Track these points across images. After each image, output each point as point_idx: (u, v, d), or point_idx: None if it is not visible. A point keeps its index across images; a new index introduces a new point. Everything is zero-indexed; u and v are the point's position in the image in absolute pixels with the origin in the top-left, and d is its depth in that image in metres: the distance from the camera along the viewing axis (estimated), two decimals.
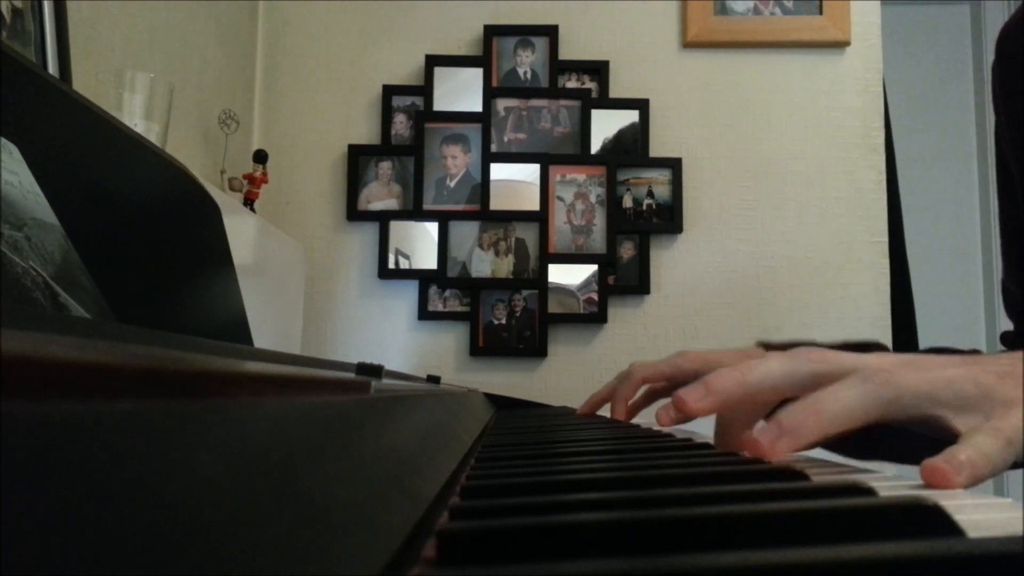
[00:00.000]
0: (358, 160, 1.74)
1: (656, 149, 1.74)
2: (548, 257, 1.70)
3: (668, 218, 1.71)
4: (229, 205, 1.16)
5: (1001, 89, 0.66)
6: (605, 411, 0.81)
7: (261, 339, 0.84)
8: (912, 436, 0.38)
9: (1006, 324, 0.76)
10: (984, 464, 0.32)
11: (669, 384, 0.72)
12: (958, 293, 2.53)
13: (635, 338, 1.70)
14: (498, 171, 1.72)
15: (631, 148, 1.74)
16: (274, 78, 1.78)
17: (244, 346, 0.50)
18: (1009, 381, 0.35)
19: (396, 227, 1.71)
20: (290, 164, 1.75)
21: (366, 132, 1.77)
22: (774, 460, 0.33)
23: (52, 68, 0.93)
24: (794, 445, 0.34)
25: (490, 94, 1.74)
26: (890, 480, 0.30)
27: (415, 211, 1.71)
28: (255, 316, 0.68)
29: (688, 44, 1.76)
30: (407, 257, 1.71)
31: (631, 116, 1.74)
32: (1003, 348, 0.73)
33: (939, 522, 0.18)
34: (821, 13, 1.74)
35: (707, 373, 0.42)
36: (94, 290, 0.37)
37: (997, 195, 0.69)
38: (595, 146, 1.74)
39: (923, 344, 1.79)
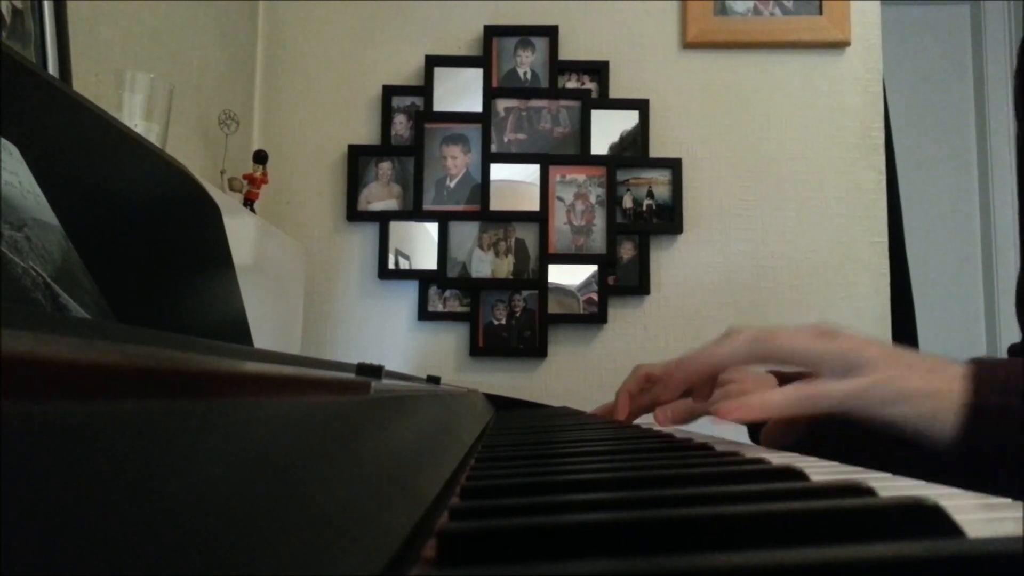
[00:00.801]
0: (358, 160, 1.74)
1: (656, 149, 1.74)
2: (548, 257, 1.69)
3: (668, 218, 1.71)
4: (229, 205, 1.16)
5: None
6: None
7: (261, 339, 0.84)
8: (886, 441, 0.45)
9: (1006, 325, 0.76)
10: (760, 408, 0.46)
11: None
12: (958, 293, 2.53)
13: (635, 338, 1.70)
14: (498, 171, 1.72)
15: (631, 148, 1.74)
16: (274, 78, 1.78)
17: (244, 346, 0.50)
18: (878, 360, 0.45)
19: (396, 227, 1.71)
20: (290, 164, 1.75)
21: (366, 132, 1.77)
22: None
23: (52, 68, 0.93)
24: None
25: (490, 94, 1.74)
26: (890, 480, 0.30)
27: (415, 211, 1.71)
28: (255, 316, 0.68)
29: (688, 44, 1.76)
30: (407, 257, 1.71)
31: (631, 116, 1.74)
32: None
33: (939, 522, 0.18)
34: (821, 13, 1.74)
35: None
36: (94, 290, 0.37)
37: (1019, 198, 0.69)
38: (600, 147, 1.74)
39: (921, 341, 1.79)
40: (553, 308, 1.68)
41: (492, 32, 1.76)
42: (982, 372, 0.43)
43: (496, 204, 1.71)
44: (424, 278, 1.70)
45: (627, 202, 1.72)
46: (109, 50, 1.14)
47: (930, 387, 0.44)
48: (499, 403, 1.17)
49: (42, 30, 0.92)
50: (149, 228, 0.49)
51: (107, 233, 0.42)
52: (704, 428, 0.64)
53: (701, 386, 0.57)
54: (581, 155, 1.73)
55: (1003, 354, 0.71)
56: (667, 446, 0.42)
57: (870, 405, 0.44)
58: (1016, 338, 0.68)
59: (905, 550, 0.14)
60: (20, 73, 0.36)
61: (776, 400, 0.46)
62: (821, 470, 0.33)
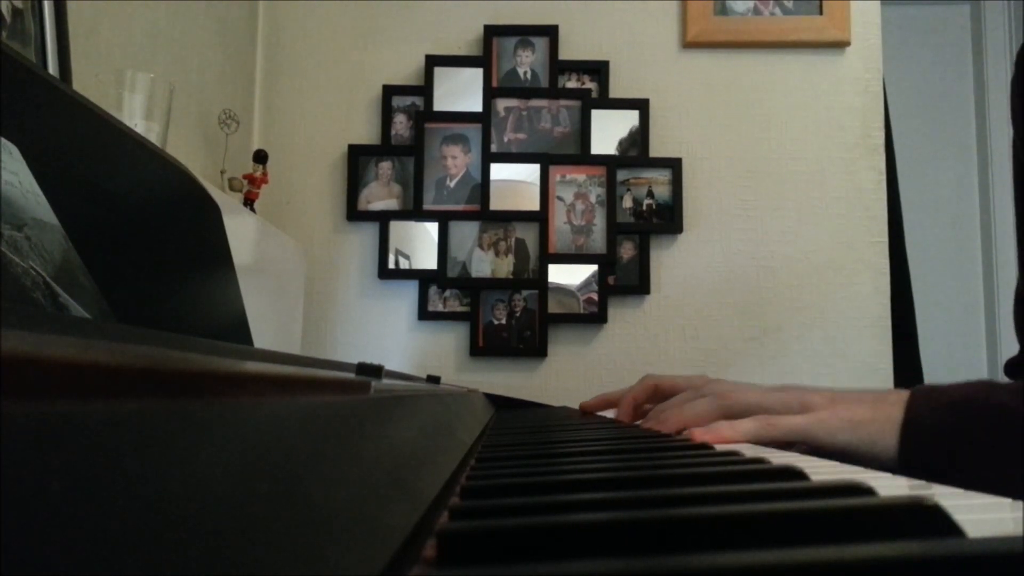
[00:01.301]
0: (358, 160, 1.74)
1: (656, 149, 1.74)
2: (548, 257, 1.69)
3: (668, 218, 1.71)
4: (229, 205, 1.16)
5: (1022, 103, 0.66)
6: (609, 412, 0.81)
7: (261, 339, 0.84)
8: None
9: (1006, 325, 0.76)
10: (732, 436, 0.51)
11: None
12: (958, 293, 2.53)
13: (635, 338, 1.70)
14: (498, 171, 1.72)
15: (631, 148, 1.74)
16: (274, 78, 1.78)
17: (244, 346, 0.50)
18: (824, 400, 0.53)
19: (396, 227, 1.71)
20: (290, 164, 1.75)
21: (366, 132, 1.77)
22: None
23: (52, 68, 0.93)
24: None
25: (490, 94, 1.74)
26: (890, 480, 0.30)
27: (415, 211, 1.71)
28: (255, 316, 0.68)
29: (688, 44, 1.76)
30: (407, 257, 1.71)
31: (631, 116, 1.74)
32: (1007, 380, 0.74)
33: (939, 522, 0.18)
34: (821, 13, 1.74)
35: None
36: (94, 290, 0.37)
37: (1015, 203, 0.69)
38: (600, 147, 1.74)
39: (921, 341, 1.79)
40: (553, 308, 1.68)
41: (492, 32, 1.76)
42: (919, 395, 0.49)
43: (496, 204, 1.71)
44: (424, 278, 1.70)
45: (627, 202, 1.72)
46: (109, 50, 1.14)
47: (874, 415, 0.50)
48: (499, 403, 1.17)
49: (42, 30, 0.92)
50: (149, 228, 0.49)
51: (107, 233, 0.42)
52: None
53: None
54: (581, 155, 1.73)
55: (1002, 359, 0.71)
56: (667, 446, 0.42)
57: (822, 434, 0.51)
58: (1016, 340, 0.68)
59: (905, 550, 0.14)
60: (20, 73, 0.36)
61: (746, 428, 0.53)
62: (821, 470, 0.33)
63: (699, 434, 0.53)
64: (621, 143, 1.74)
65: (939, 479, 0.42)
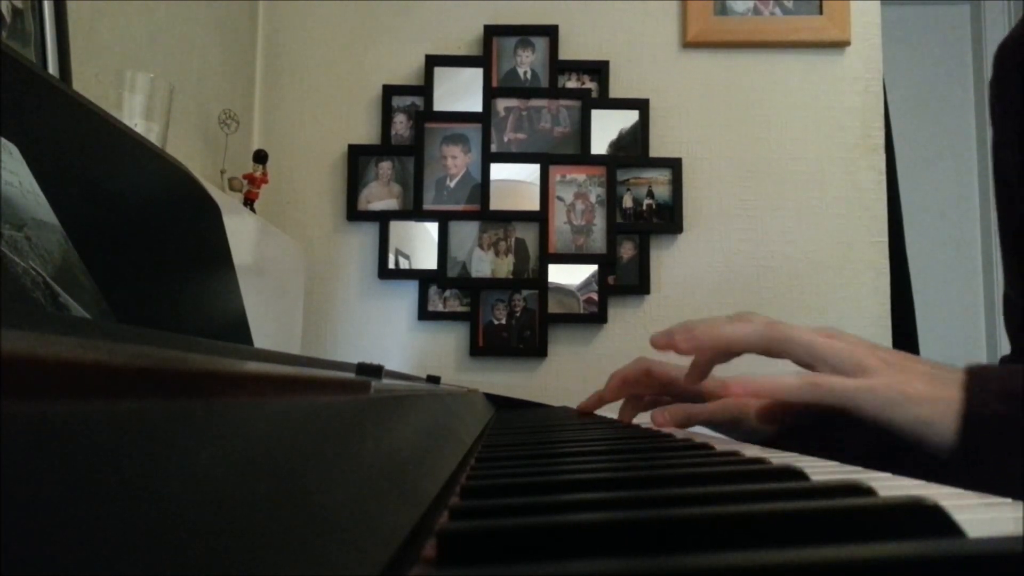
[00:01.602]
0: (358, 160, 1.74)
1: (656, 149, 1.74)
2: (548, 257, 1.69)
3: (668, 218, 1.71)
4: (229, 205, 1.16)
5: (999, 105, 0.66)
6: (609, 412, 0.81)
7: (261, 339, 0.84)
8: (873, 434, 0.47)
9: (1005, 328, 0.76)
10: (772, 389, 0.48)
11: (673, 387, 0.73)
12: (958, 293, 2.53)
13: (635, 338, 1.70)
14: (498, 171, 1.72)
15: (631, 148, 1.74)
16: (274, 78, 1.78)
17: (244, 346, 0.50)
18: (880, 363, 0.46)
19: (396, 227, 1.71)
20: (290, 164, 1.75)
21: (366, 132, 1.77)
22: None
23: (52, 68, 0.93)
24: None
25: (490, 94, 1.74)
26: (890, 480, 0.30)
27: (415, 211, 1.71)
28: (255, 316, 0.68)
29: (688, 44, 1.76)
30: (407, 257, 1.71)
31: (631, 116, 1.74)
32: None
33: (939, 522, 0.18)
34: (821, 13, 1.74)
35: (710, 387, 0.52)
36: (94, 290, 0.37)
37: (996, 207, 0.69)
38: (600, 147, 1.74)
39: (921, 341, 1.79)
40: (553, 308, 1.68)
41: (492, 32, 1.76)
42: (978, 381, 0.45)
43: (496, 204, 1.71)
44: (424, 278, 1.70)
45: (627, 202, 1.72)
46: (109, 50, 1.14)
47: (931, 393, 0.44)
48: (499, 403, 1.17)
49: (42, 30, 0.92)
50: (149, 228, 0.49)
51: (107, 233, 0.42)
52: (703, 428, 0.64)
53: (704, 364, 0.59)
54: (581, 155, 1.73)
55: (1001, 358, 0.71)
56: (667, 446, 0.42)
57: (875, 405, 0.45)
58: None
59: (905, 550, 0.14)
60: (20, 73, 0.36)
61: (788, 384, 0.48)
62: (821, 470, 0.33)
63: (734, 387, 0.49)
64: (613, 147, 1.73)
65: (1000, 474, 0.42)
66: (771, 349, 0.50)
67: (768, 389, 0.48)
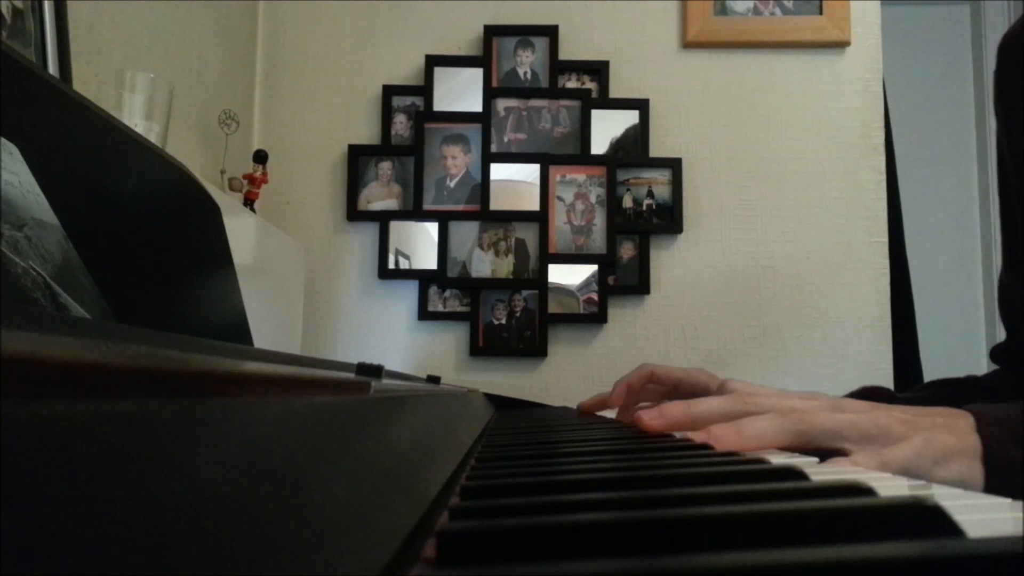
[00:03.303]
0: (358, 160, 1.74)
1: (656, 149, 1.74)
2: (548, 257, 1.69)
3: (668, 218, 1.71)
4: (229, 205, 1.16)
5: (1004, 94, 0.67)
6: (610, 411, 0.81)
7: (261, 339, 0.84)
8: None
9: (1000, 316, 0.76)
10: (755, 437, 0.43)
11: (677, 388, 0.73)
12: (958, 293, 2.53)
13: (635, 338, 1.70)
14: (498, 171, 1.72)
15: (631, 148, 1.74)
16: (274, 78, 1.78)
17: (244, 346, 0.50)
18: (902, 424, 0.44)
19: (396, 227, 1.71)
20: (290, 164, 1.75)
21: (366, 132, 1.77)
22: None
23: (52, 68, 0.93)
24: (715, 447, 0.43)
25: (490, 94, 1.74)
26: (890, 480, 0.30)
27: (415, 211, 1.71)
28: (255, 316, 0.68)
29: (688, 44, 1.76)
30: (407, 257, 1.71)
31: (631, 116, 1.74)
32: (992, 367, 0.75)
33: (939, 522, 0.18)
34: (821, 13, 1.74)
35: (716, 386, 0.50)
36: (94, 290, 0.37)
37: (998, 196, 0.69)
38: (600, 147, 1.74)
39: (921, 341, 1.79)
40: (553, 308, 1.68)
41: (492, 32, 1.76)
42: (989, 427, 0.44)
43: (496, 204, 1.71)
44: (424, 278, 1.70)
45: (627, 202, 1.72)
46: (109, 50, 1.14)
47: (958, 443, 0.44)
48: (499, 403, 1.17)
49: (42, 30, 0.92)
50: (149, 228, 0.49)
51: (107, 233, 0.42)
52: None
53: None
54: (581, 155, 1.73)
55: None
56: (667, 446, 0.42)
57: (922, 468, 0.43)
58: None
59: (905, 550, 0.14)
60: (20, 73, 0.36)
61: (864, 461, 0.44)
62: (821, 470, 0.33)
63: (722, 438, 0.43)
64: (613, 147, 1.74)
65: None
66: (797, 444, 0.45)
67: (745, 438, 0.43)
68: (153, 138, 1.00)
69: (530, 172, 1.72)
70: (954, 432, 0.44)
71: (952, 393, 0.71)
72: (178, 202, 0.57)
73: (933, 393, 0.74)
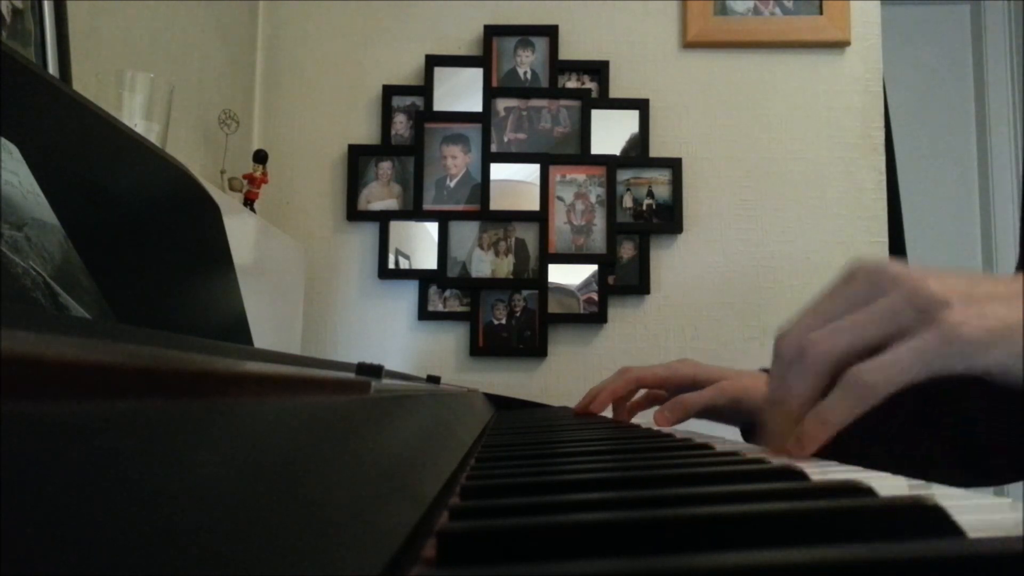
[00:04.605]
0: (358, 160, 1.74)
1: (656, 149, 1.74)
2: (548, 257, 1.70)
3: (668, 218, 1.71)
4: (229, 205, 1.16)
5: None
6: (609, 411, 0.81)
7: (261, 339, 0.84)
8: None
9: None
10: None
11: (665, 387, 0.73)
12: None
13: (635, 338, 1.70)
14: (498, 171, 1.72)
15: (631, 148, 1.74)
16: (274, 78, 1.78)
17: (244, 346, 0.50)
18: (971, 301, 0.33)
19: (396, 227, 1.71)
20: (290, 164, 1.75)
21: (366, 132, 1.77)
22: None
23: (52, 68, 0.93)
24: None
25: (490, 94, 1.74)
26: (890, 479, 0.30)
27: (415, 211, 1.71)
28: (255, 316, 0.68)
29: (688, 44, 1.76)
30: (407, 257, 1.71)
31: (631, 116, 1.74)
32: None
33: (939, 522, 0.18)
34: (821, 13, 1.74)
35: (701, 379, 0.47)
36: (94, 290, 0.37)
37: (1021, 188, 0.68)
38: (600, 147, 1.74)
39: None
40: (553, 308, 1.68)
41: (492, 32, 1.76)
42: None
43: (496, 204, 1.71)
44: (424, 278, 1.70)
45: (627, 202, 1.72)
46: (109, 50, 1.14)
47: (1015, 317, 0.33)
48: (499, 403, 1.17)
49: (42, 30, 0.92)
50: (149, 228, 0.49)
51: (107, 233, 0.42)
52: (705, 428, 0.64)
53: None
54: (581, 155, 1.73)
55: None
56: (667, 446, 0.42)
57: (964, 355, 0.33)
58: None
59: (905, 550, 0.14)
60: (20, 73, 0.36)
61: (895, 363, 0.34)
62: (821, 470, 0.33)
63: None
64: (613, 147, 1.74)
65: None
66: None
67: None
68: (153, 138, 1.00)
69: (530, 172, 1.72)
70: (1009, 303, 0.33)
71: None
72: (178, 202, 0.57)
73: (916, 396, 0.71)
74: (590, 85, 1.76)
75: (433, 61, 1.75)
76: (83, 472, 0.08)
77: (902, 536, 0.17)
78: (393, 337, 1.72)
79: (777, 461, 0.31)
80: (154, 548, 0.09)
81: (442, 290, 1.71)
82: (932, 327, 0.33)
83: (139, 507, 0.09)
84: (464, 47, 1.78)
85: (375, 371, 0.41)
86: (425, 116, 1.73)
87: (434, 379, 0.94)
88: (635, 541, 0.17)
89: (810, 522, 0.18)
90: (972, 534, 0.17)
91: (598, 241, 1.70)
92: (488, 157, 1.72)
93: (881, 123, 1.75)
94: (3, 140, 0.33)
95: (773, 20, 1.74)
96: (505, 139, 1.74)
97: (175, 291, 0.50)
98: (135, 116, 1.01)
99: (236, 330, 0.60)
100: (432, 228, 1.71)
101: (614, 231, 1.70)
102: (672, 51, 1.77)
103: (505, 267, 1.70)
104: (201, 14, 1.48)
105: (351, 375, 0.36)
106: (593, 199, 1.71)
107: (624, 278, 1.70)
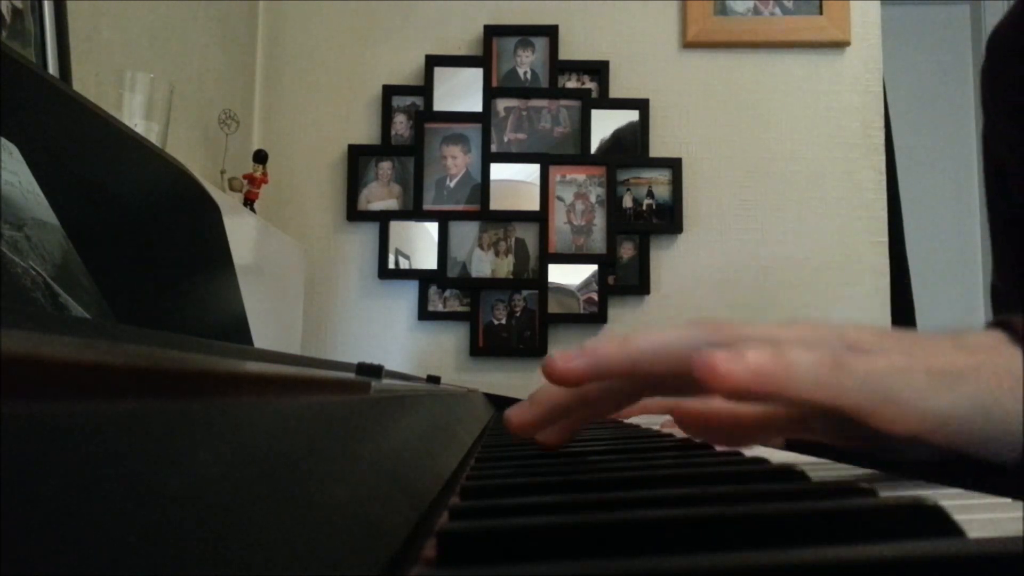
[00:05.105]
0: (358, 160, 1.74)
1: (656, 149, 1.74)
2: (548, 257, 1.69)
3: (668, 218, 1.71)
4: (229, 205, 1.16)
5: (993, 89, 0.66)
6: None
7: (261, 339, 0.84)
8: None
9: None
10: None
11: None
12: (958, 293, 2.53)
13: None
14: (498, 171, 1.72)
15: (631, 148, 1.74)
16: (274, 78, 1.78)
17: (244, 346, 0.50)
18: (907, 347, 0.29)
19: (396, 227, 1.71)
20: (290, 164, 1.75)
21: (366, 132, 1.77)
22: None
23: (52, 68, 0.93)
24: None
25: (490, 94, 1.74)
26: (890, 480, 0.30)
27: (415, 211, 1.71)
28: (255, 316, 0.68)
29: (688, 44, 1.76)
30: (407, 257, 1.71)
31: (631, 116, 1.74)
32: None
33: (939, 522, 0.18)
34: (821, 13, 1.74)
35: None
36: (94, 290, 0.37)
37: (985, 195, 0.68)
38: (594, 146, 1.74)
39: None
40: (553, 308, 1.68)
41: (492, 32, 1.76)
42: None
43: (496, 204, 1.71)
44: (424, 278, 1.70)
45: (627, 202, 1.72)
46: (109, 50, 1.14)
47: (974, 362, 0.29)
48: (499, 403, 1.17)
49: (42, 30, 0.92)
50: (149, 228, 0.49)
51: (107, 233, 0.42)
52: None
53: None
54: (581, 155, 1.73)
55: None
56: (667, 446, 0.42)
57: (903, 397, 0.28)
58: None
59: (906, 550, 0.14)
60: (20, 73, 0.36)
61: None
62: (821, 470, 0.33)
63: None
64: (613, 147, 1.74)
65: None
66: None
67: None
68: (153, 138, 1.00)
69: (530, 172, 1.72)
70: (967, 352, 0.29)
71: None
72: (178, 202, 0.57)
73: None
74: (590, 85, 1.76)
75: (433, 61, 1.75)
76: (83, 472, 0.08)
77: (902, 536, 0.17)
78: (393, 337, 1.72)
79: (778, 461, 0.31)
80: (154, 548, 0.09)
81: (442, 290, 1.71)
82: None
83: (139, 507, 0.09)
84: (464, 47, 1.78)
85: (375, 371, 0.41)
86: (425, 116, 1.73)
87: (434, 379, 0.94)
88: (635, 542, 0.17)
89: (811, 522, 0.18)
90: (972, 534, 0.17)
91: (598, 241, 1.70)
92: (488, 157, 1.72)
93: (881, 123, 1.75)
94: (3, 140, 0.33)
95: (773, 20, 1.74)
96: (505, 139, 1.74)
97: (175, 291, 0.50)
98: (135, 116, 1.01)
99: (236, 330, 0.60)
100: (432, 228, 1.71)
101: (614, 231, 1.69)
102: (672, 51, 1.77)
103: (505, 267, 1.70)
104: (201, 14, 1.48)
105: (351, 375, 0.36)
106: (593, 199, 1.71)
107: (624, 278, 1.70)
